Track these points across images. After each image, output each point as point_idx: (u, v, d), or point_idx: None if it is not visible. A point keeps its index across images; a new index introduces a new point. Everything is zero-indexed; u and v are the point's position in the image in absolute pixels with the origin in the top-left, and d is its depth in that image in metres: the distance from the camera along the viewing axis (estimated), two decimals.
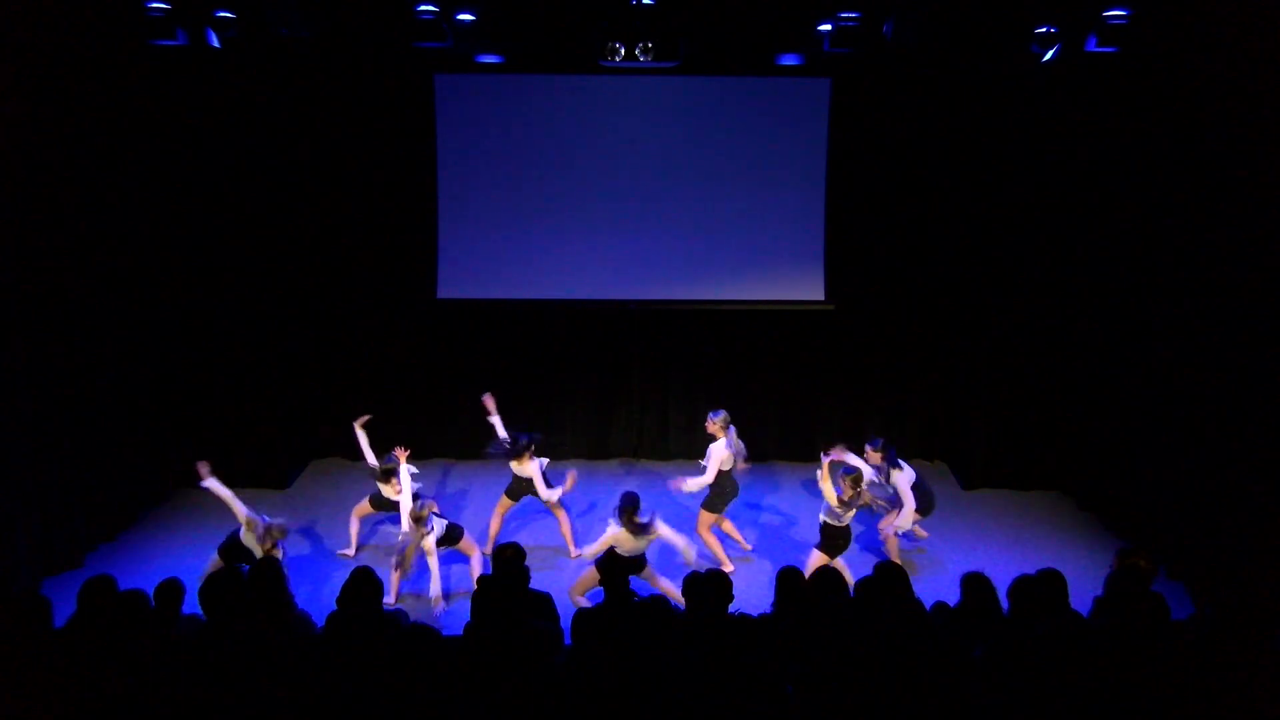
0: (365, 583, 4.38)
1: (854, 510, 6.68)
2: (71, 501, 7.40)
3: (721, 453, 7.38)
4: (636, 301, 9.45)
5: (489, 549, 7.42)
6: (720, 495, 7.49)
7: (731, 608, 4.52)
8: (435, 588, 6.68)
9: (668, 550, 7.45)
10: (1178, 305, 7.37)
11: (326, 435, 9.75)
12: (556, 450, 9.83)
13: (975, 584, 4.87)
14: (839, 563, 6.87)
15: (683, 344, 9.68)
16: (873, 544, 7.93)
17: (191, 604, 4.67)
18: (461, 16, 7.06)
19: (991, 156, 8.82)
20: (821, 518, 6.83)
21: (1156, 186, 7.64)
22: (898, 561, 6.39)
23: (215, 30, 7.01)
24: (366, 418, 7.67)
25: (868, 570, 4.87)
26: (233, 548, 6.52)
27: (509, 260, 9.34)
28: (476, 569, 6.98)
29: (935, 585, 6.97)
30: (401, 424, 9.73)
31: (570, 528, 7.84)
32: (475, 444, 9.74)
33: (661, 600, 4.31)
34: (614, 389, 9.81)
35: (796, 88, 9.10)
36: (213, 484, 6.53)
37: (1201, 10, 6.61)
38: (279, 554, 6.36)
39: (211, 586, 4.36)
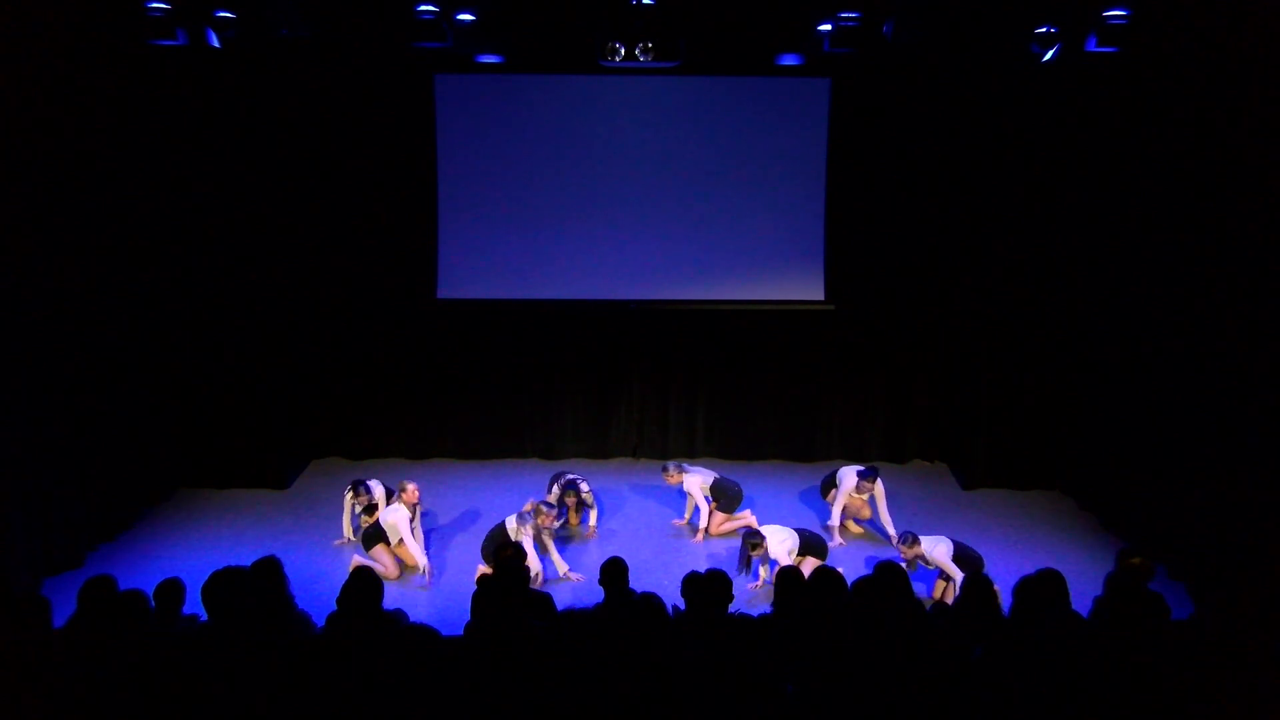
0: (365, 583, 4.37)
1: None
2: (71, 501, 7.39)
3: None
4: (636, 301, 9.45)
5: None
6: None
7: (731, 608, 4.52)
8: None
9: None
10: (1178, 305, 7.37)
11: (326, 435, 9.77)
12: (557, 450, 9.86)
13: (975, 584, 4.88)
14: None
15: (682, 344, 9.68)
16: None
17: (192, 604, 4.67)
18: (461, 16, 7.05)
19: (991, 156, 8.82)
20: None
21: (1156, 186, 7.65)
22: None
23: (215, 30, 6.99)
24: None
25: None
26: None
27: (509, 260, 9.34)
28: None
29: (935, 585, 6.99)
30: (401, 424, 9.76)
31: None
32: (474, 444, 9.79)
33: (659, 600, 4.31)
34: (614, 389, 9.81)
35: (796, 88, 9.11)
36: None
37: (1201, 10, 6.61)
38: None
39: (212, 586, 4.36)
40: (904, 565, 6.81)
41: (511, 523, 7.18)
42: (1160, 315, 7.61)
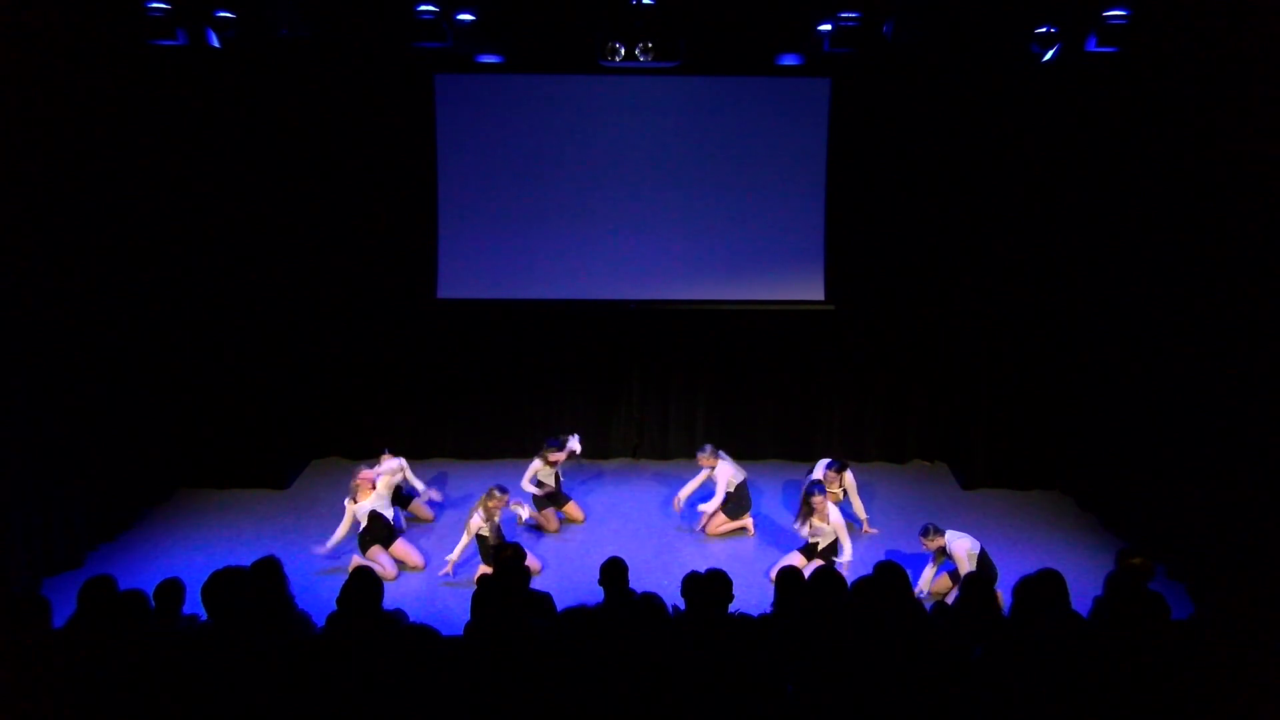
0: (365, 583, 4.37)
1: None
2: (71, 501, 7.40)
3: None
4: (636, 301, 9.45)
5: None
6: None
7: (731, 608, 4.52)
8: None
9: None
10: (1178, 305, 7.37)
11: (326, 435, 9.77)
12: None
13: (975, 584, 4.88)
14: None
15: (682, 344, 9.68)
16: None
17: (192, 604, 4.67)
18: (461, 16, 7.05)
19: (991, 157, 8.82)
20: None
21: (1156, 186, 7.65)
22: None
23: (215, 30, 7.00)
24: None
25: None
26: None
27: (509, 260, 9.34)
28: None
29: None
30: (401, 424, 9.75)
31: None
32: (474, 444, 9.79)
33: (660, 600, 4.31)
34: (614, 389, 9.81)
35: (796, 88, 9.10)
36: None
37: (1201, 10, 6.61)
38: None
39: (212, 586, 4.36)
40: (931, 560, 7.01)
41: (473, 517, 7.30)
42: (1160, 315, 7.61)
